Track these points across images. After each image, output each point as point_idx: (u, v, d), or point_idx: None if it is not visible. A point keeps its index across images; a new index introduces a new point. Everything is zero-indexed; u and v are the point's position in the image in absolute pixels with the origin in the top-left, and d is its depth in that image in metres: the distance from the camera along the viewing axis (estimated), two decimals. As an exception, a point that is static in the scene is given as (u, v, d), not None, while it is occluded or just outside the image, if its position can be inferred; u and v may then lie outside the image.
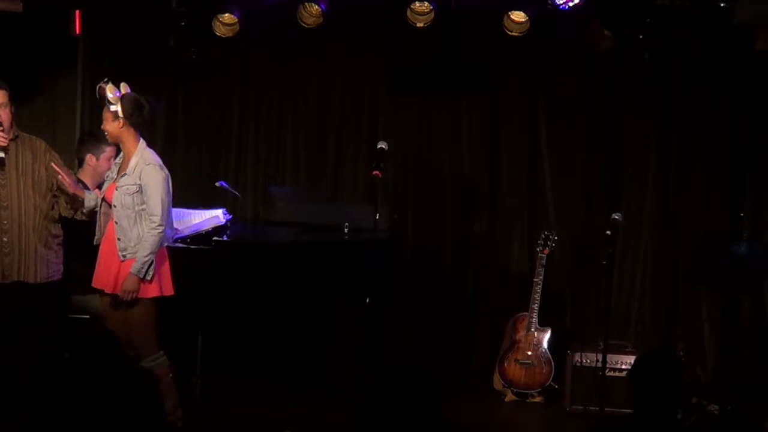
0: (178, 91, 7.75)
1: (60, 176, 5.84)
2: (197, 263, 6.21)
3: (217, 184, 7.08)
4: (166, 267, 5.88)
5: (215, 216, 6.60)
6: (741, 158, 7.54)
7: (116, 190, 5.80)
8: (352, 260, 6.76)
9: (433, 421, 3.24)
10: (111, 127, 5.83)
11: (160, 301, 5.85)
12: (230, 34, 7.31)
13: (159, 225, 5.76)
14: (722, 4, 7.01)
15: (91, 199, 5.95)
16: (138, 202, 5.77)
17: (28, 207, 5.86)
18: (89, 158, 6.53)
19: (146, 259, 5.73)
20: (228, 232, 6.74)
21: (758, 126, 7.48)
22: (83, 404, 3.11)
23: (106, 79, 5.82)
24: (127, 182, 5.79)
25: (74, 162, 6.80)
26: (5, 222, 5.82)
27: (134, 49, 7.42)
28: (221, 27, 7.30)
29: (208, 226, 6.52)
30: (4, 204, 5.83)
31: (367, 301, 6.46)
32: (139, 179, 5.78)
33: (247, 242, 6.87)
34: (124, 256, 5.77)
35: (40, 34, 7.38)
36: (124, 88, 5.81)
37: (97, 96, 5.85)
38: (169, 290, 5.87)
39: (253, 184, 7.84)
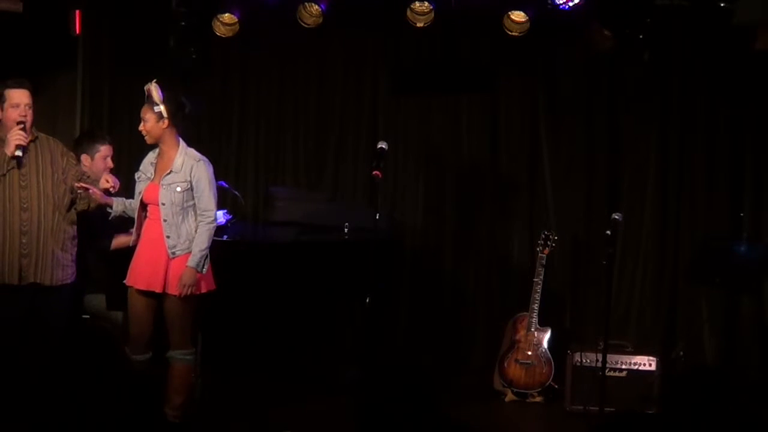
0: (178, 91, 7.73)
1: (90, 191, 5.86)
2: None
3: (217, 184, 7.08)
4: (209, 264, 5.99)
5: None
6: (741, 158, 7.54)
7: (162, 188, 5.85)
8: (352, 260, 6.76)
9: (433, 421, 3.24)
10: (155, 127, 5.87)
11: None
12: (230, 34, 7.31)
13: (214, 219, 5.93)
14: (722, 4, 7.01)
15: (119, 203, 5.97)
16: (187, 199, 5.87)
17: (47, 209, 5.85)
18: (84, 158, 6.52)
19: (203, 252, 5.87)
20: (228, 232, 6.74)
21: (758, 126, 7.48)
22: (83, 403, 3.11)
23: (155, 80, 5.86)
24: (177, 179, 5.86)
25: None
26: (25, 224, 5.82)
27: (134, 49, 7.42)
28: (221, 27, 7.30)
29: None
30: (25, 205, 5.82)
31: (367, 301, 6.46)
32: (190, 176, 5.87)
33: (247, 242, 6.87)
34: (173, 254, 5.84)
35: (40, 34, 7.38)
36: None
37: (145, 96, 5.87)
38: (213, 285, 6.01)
39: (253, 184, 7.84)
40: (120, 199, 6.00)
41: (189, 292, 5.83)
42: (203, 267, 5.87)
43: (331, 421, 6.29)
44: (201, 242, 5.87)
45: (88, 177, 6.15)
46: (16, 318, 5.81)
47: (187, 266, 5.83)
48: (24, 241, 5.80)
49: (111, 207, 5.97)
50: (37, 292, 5.83)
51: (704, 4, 7.16)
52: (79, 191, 5.87)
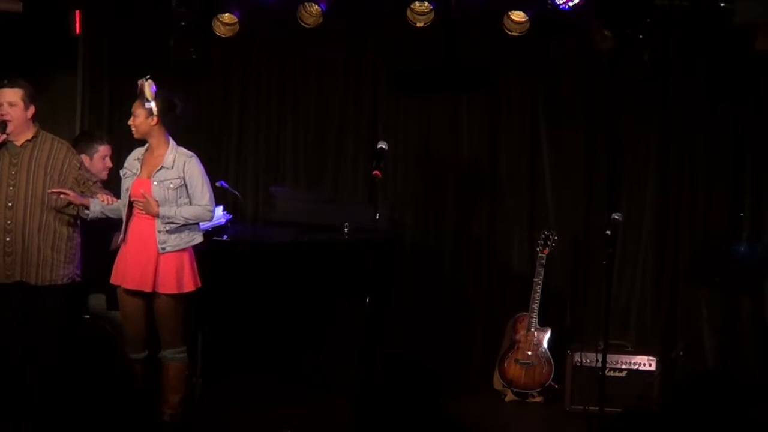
0: (178, 91, 7.72)
1: (62, 196, 5.86)
2: (197, 263, 6.20)
3: (217, 184, 7.07)
4: (195, 262, 5.99)
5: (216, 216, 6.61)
6: (741, 158, 7.53)
7: (155, 184, 5.85)
8: (352, 260, 6.76)
9: (433, 421, 3.24)
10: (143, 123, 5.90)
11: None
12: (230, 34, 7.31)
13: (211, 210, 5.97)
14: (722, 4, 7.01)
15: (96, 203, 5.97)
16: (180, 195, 5.89)
17: (34, 208, 5.86)
18: (83, 158, 6.53)
19: (180, 219, 5.85)
20: (228, 232, 6.74)
21: (758, 126, 7.47)
22: (83, 403, 3.11)
23: (147, 76, 5.88)
24: (169, 176, 5.87)
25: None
26: (9, 222, 5.84)
27: (134, 49, 7.42)
28: (221, 27, 7.30)
29: (209, 226, 6.52)
30: (10, 204, 5.84)
31: (367, 301, 6.46)
32: (183, 172, 5.88)
33: (247, 242, 6.87)
34: (163, 249, 5.85)
35: (40, 34, 7.38)
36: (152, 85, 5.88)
37: (137, 91, 5.89)
38: (199, 283, 6.00)
39: (253, 184, 7.84)
40: (95, 199, 6.00)
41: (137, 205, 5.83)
42: (166, 223, 5.82)
43: (331, 421, 6.29)
44: (187, 210, 5.88)
45: (95, 182, 6.14)
46: (7, 316, 5.82)
47: (159, 205, 5.80)
48: (8, 239, 5.83)
49: (88, 208, 5.96)
50: (25, 291, 5.84)
51: (704, 4, 7.16)
52: (53, 197, 5.87)
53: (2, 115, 5.87)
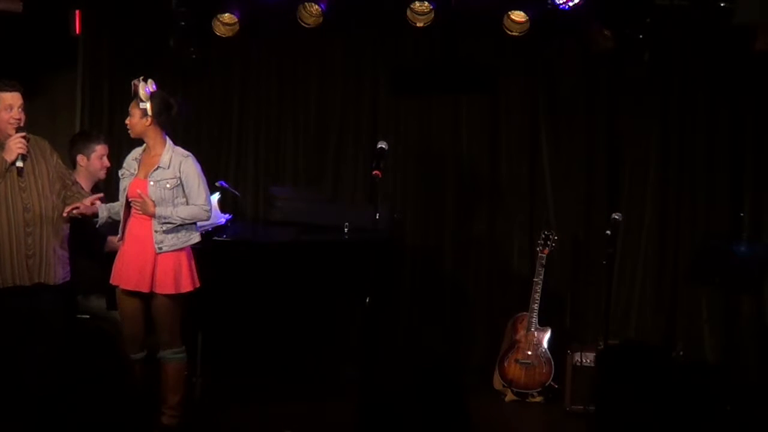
0: (178, 91, 7.73)
1: (76, 212, 5.85)
2: (197, 263, 6.20)
3: (217, 184, 7.08)
4: (193, 262, 5.98)
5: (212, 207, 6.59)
6: (741, 158, 7.54)
7: (151, 184, 5.85)
8: (352, 260, 6.76)
9: (432, 421, 3.23)
10: (138, 123, 5.90)
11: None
12: (230, 34, 7.32)
13: (208, 209, 5.94)
14: (722, 4, 7.02)
15: (103, 209, 5.97)
16: (177, 195, 5.88)
17: (47, 208, 5.85)
18: (80, 159, 6.54)
19: (176, 219, 5.84)
20: (228, 232, 6.74)
21: (758, 126, 7.48)
22: (83, 403, 3.12)
23: (142, 77, 5.87)
24: (165, 176, 5.86)
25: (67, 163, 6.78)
26: (29, 225, 5.81)
27: (134, 49, 7.43)
28: (221, 27, 7.30)
29: (208, 226, 6.52)
30: (27, 206, 5.81)
31: (367, 301, 6.46)
32: (179, 171, 5.88)
33: (247, 242, 6.87)
34: (160, 249, 5.84)
35: (40, 34, 7.39)
36: (151, 85, 5.86)
37: (132, 92, 5.89)
38: (197, 283, 5.99)
39: (253, 184, 7.84)
40: (102, 205, 6.00)
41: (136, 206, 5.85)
42: (162, 225, 5.82)
43: (331, 421, 6.29)
44: (183, 210, 5.87)
45: (74, 184, 6.11)
46: (23, 318, 5.82)
47: (156, 205, 5.80)
48: (30, 242, 5.80)
49: (97, 215, 5.97)
50: (41, 291, 5.82)
51: (704, 4, 7.16)
52: (65, 215, 5.85)
53: (18, 119, 5.81)
